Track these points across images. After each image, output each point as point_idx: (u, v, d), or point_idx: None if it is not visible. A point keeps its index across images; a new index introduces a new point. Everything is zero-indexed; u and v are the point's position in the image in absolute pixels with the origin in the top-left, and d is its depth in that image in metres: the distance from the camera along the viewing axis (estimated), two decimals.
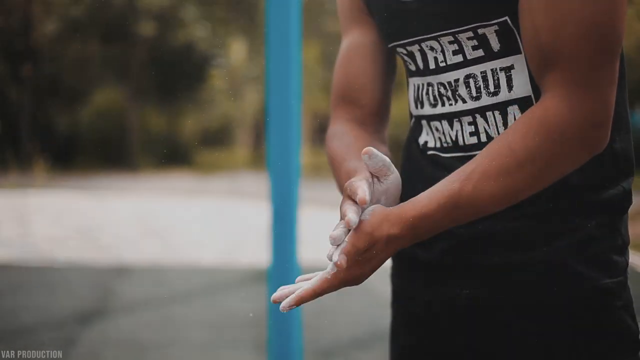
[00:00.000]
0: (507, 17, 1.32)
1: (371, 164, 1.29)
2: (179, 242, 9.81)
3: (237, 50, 22.54)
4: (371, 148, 1.28)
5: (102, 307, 6.23)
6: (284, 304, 1.26)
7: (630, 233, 1.44)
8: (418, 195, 1.28)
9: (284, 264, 3.76)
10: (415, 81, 1.49)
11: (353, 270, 1.26)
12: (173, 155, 21.57)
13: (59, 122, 21.30)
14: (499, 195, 1.27)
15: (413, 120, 1.55)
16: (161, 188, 16.73)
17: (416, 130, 1.53)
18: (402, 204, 1.28)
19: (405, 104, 1.58)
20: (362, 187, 1.25)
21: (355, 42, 1.56)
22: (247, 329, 5.59)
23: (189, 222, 11.67)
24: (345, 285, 1.28)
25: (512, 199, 1.29)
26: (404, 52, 1.47)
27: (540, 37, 1.27)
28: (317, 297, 1.26)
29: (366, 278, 1.29)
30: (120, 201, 14.12)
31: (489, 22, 1.33)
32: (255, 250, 8.46)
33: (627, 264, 1.41)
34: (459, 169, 1.29)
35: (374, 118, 1.56)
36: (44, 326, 5.58)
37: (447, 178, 1.29)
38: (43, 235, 10.01)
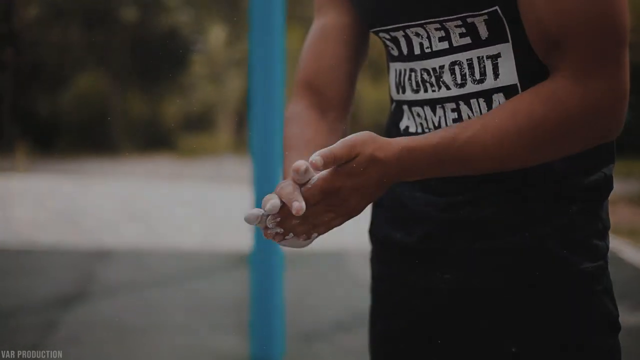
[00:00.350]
0: (497, 7, 1.31)
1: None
2: (161, 226, 9.79)
3: (219, 35, 22.47)
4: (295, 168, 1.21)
5: (83, 291, 6.22)
6: (266, 199, 1.23)
7: (610, 218, 1.44)
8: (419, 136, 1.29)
9: (265, 248, 3.77)
10: (397, 66, 1.48)
11: (333, 182, 1.22)
12: (155, 139, 21.49)
13: (40, 106, 21.19)
14: (491, 151, 1.26)
15: (394, 104, 1.54)
16: (143, 172, 16.68)
17: (397, 114, 1.53)
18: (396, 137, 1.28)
19: (387, 88, 1.57)
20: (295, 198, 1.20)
21: (329, 24, 1.53)
22: (229, 313, 5.59)
23: (171, 206, 11.64)
24: (323, 198, 1.23)
25: (504, 160, 1.27)
26: (387, 37, 1.45)
27: (544, 26, 1.27)
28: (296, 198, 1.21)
29: (348, 204, 1.24)
30: (102, 185, 14.08)
31: (479, 12, 1.32)
32: (237, 234, 8.46)
33: (608, 248, 1.42)
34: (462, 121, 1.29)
35: (337, 108, 1.53)
36: (25, 310, 5.57)
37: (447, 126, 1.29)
38: (24, 219, 9.97)
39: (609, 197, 1.43)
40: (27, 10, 21.66)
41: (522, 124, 1.25)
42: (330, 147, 1.20)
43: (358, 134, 1.23)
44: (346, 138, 1.22)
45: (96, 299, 6.02)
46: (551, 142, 1.27)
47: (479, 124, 1.26)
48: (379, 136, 1.25)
